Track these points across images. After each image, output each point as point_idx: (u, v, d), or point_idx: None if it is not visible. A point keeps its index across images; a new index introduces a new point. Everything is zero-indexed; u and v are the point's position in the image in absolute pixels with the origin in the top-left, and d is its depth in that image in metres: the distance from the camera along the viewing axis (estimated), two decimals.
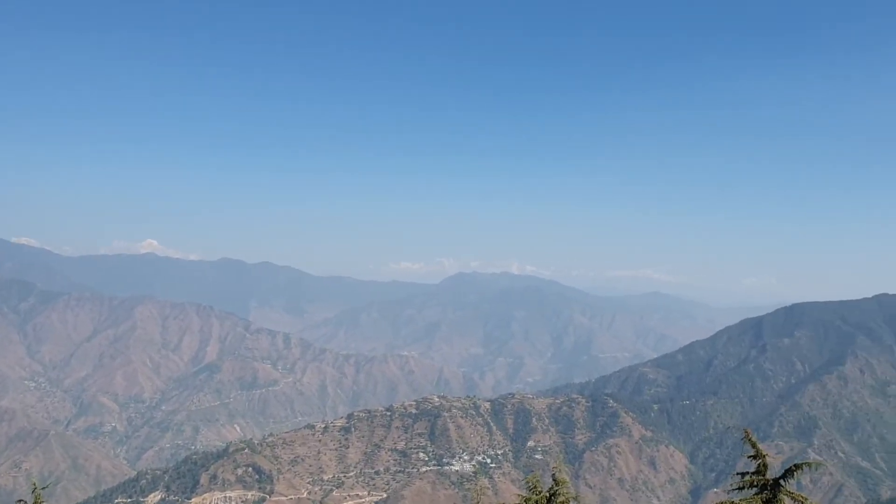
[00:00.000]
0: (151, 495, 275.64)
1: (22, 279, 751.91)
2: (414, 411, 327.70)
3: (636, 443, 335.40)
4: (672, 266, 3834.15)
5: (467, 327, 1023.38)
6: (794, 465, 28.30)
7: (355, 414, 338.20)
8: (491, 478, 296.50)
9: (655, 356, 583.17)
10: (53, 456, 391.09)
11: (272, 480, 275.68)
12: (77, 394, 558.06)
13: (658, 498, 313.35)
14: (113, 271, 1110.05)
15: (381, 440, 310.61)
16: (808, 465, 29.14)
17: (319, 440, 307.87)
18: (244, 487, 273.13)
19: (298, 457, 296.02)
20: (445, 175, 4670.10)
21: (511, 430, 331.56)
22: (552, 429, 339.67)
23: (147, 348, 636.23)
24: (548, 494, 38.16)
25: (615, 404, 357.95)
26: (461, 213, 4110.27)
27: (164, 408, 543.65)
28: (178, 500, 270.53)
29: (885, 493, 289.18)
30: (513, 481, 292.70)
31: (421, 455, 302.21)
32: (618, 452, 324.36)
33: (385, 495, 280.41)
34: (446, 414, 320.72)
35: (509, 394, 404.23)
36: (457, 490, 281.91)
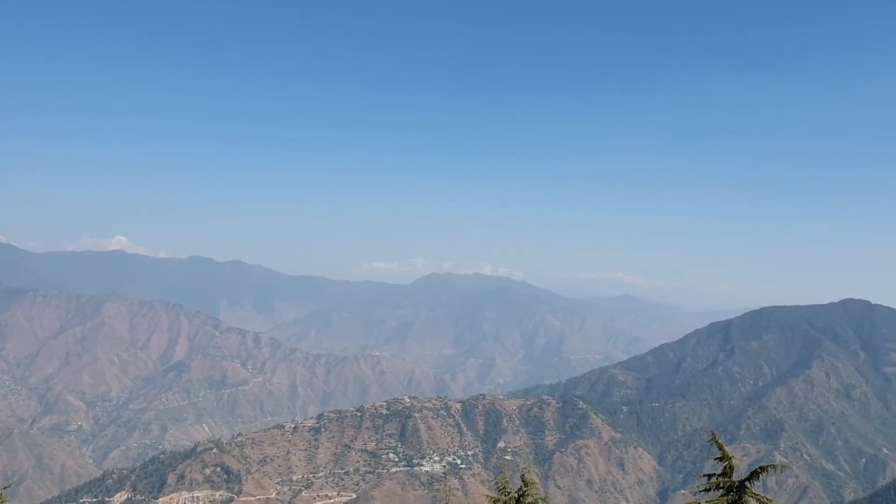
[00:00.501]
0: (117, 495, 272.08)
1: None
2: (385, 412, 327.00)
3: (605, 444, 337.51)
4: (643, 269, 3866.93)
5: (439, 328, 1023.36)
6: (760, 468, 28.65)
7: (325, 414, 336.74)
8: (461, 479, 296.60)
9: (625, 358, 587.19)
10: (17, 455, 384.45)
11: (241, 480, 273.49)
12: (42, 392, 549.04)
13: (626, 499, 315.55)
14: (81, 268, 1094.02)
15: (352, 441, 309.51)
16: (773, 467, 29.49)
17: (289, 440, 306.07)
18: (212, 487, 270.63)
19: (267, 457, 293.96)
20: (419, 175, 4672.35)
21: (482, 431, 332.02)
22: (522, 430, 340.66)
23: (115, 346, 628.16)
24: (516, 495, 38.24)
25: (585, 406, 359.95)
26: (435, 214, 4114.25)
27: (131, 407, 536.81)
28: (144, 500, 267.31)
29: (849, 495, 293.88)
30: (483, 482, 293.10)
31: (391, 456, 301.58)
32: (587, 454, 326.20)
33: (354, 496, 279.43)
34: (417, 415, 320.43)
35: (480, 395, 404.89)
36: (427, 491, 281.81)
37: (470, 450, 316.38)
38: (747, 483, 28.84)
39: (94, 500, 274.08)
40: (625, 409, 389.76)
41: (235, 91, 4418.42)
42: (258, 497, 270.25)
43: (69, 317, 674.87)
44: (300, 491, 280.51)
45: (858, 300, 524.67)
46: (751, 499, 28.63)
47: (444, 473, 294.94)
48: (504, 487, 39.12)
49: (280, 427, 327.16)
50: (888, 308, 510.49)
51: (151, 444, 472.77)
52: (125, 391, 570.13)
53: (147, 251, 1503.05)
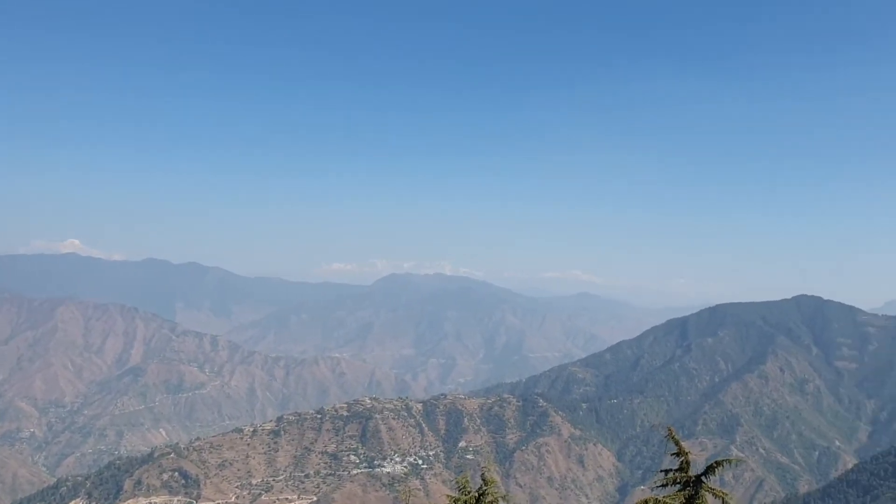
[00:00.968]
0: (72, 503, 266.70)
1: None
2: (345, 413, 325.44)
3: (565, 441, 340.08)
4: (600, 267, 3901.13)
5: (400, 328, 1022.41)
6: (716, 462, 29.03)
7: (285, 417, 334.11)
8: (422, 479, 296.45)
9: (584, 356, 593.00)
10: None
11: (199, 485, 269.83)
12: None
13: (586, 496, 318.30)
14: (32, 272, 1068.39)
15: (312, 443, 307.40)
16: (729, 461, 29.90)
17: (248, 444, 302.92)
18: (170, 493, 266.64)
19: (226, 461, 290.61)
20: (378, 176, 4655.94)
21: (443, 431, 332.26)
22: (483, 429, 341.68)
23: (68, 351, 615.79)
24: (477, 494, 38.20)
25: (545, 404, 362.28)
26: (394, 215, 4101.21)
27: (86, 412, 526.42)
28: None
29: (803, 488, 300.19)
30: (444, 482, 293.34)
31: (352, 457, 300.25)
32: (547, 451, 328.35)
33: (315, 498, 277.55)
34: (378, 416, 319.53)
35: (441, 394, 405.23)
36: (388, 492, 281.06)
37: (431, 450, 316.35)
38: (703, 478, 29.21)
39: None
40: (584, 406, 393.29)
41: (188, 91, 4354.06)
42: (217, 501, 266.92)
43: (21, 322, 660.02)
44: (260, 494, 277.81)
45: (811, 296, 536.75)
46: (707, 493, 29.00)
47: (405, 474, 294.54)
48: (464, 487, 39.07)
49: (239, 430, 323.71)
50: (839, 304, 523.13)
51: (107, 450, 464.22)
52: (79, 397, 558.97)
53: (101, 254, 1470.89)
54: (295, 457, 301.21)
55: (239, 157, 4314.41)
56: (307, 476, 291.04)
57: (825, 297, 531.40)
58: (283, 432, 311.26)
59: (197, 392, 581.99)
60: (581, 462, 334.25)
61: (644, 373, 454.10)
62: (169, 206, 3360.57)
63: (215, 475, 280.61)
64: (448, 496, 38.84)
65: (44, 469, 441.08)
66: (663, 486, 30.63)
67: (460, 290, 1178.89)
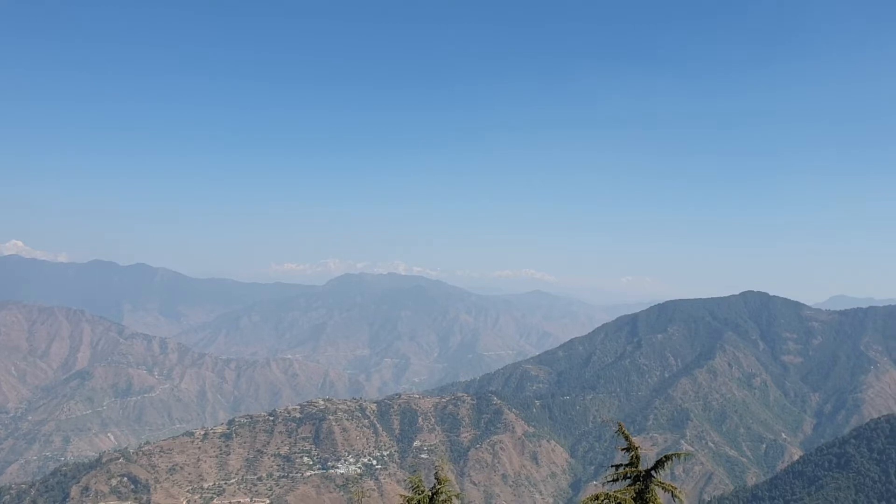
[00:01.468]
0: None
1: None
2: (298, 415, 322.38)
3: (519, 439, 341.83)
4: (553, 265, 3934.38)
5: (353, 329, 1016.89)
6: (665, 457, 29.36)
7: (237, 419, 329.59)
8: (377, 479, 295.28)
9: (538, 353, 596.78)
10: None
11: (149, 490, 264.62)
12: None
13: (540, 492, 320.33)
14: None
15: (264, 445, 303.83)
16: (678, 455, 30.27)
17: (199, 447, 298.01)
18: (119, 498, 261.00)
19: (177, 465, 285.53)
20: (330, 176, 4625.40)
21: (397, 431, 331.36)
22: (438, 428, 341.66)
23: (11, 355, 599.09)
24: (430, 494, 38.09)
25: (499, 401, 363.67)
26: (347, 214, 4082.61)
27: (30, 418, 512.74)
28: None
29: (751, 480, 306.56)
30: (399, 482, 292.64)
31: (305, 459, 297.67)
32: (501, 449, 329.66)
33: (268, 501, 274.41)
34: (331, 417, 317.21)
35: (396, 394, 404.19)
36: (342, 493, 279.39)
37: (386, 450, 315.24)
38: (653, 472, 29.51)
39: None
40: (538, 403, 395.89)
41: (130, 93, 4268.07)
42: None
43: None
44: (212, 498, 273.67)
45: (757, 292, 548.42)
46: (657, 487, 29.30)
47: (359, 475, 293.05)
48: (418, 486, 38.95)
49: (190, 434, 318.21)
50: (784, 299, 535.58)
51: (53, 456, 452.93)
52: (23, 402, 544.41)
53: (46, 255, 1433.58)
54: (247, 459, 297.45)
55: (185, 156, 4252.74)
56: (260, 479, 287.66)
57: (771, 293, 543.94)
58: (234, 435, 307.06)
59: (146, 395, 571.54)
60: (535, 459, 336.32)
61: (596, 369, 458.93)
62: (116, 207, 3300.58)
63: (166, 480, 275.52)
64: (402, 496, 38.68)
65: None
66: (614, 480, 30.89)
67: (414, 290, 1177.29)
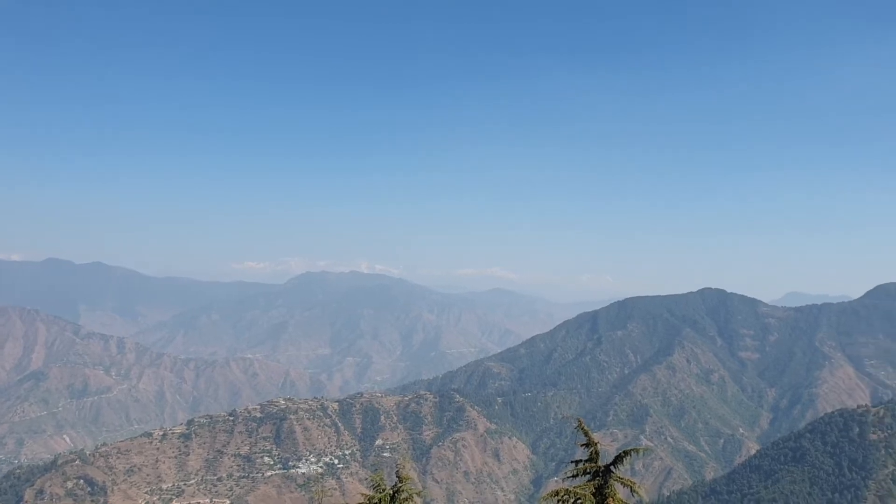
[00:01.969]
0: None
1: None
2: (259, 415, 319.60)
3: (481, 436, 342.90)
4: (515, 263, 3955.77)
5: (315, 328, 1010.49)
6: (623, 452, 29.58)
7: (196, 420, 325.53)
8: (339, 478, 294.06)
9: (500, 350, 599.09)
10: None
11: (106, 492, 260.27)
12: None
13: (502, 489, 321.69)
14: None
15: (224, 446, 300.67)
16: (636, 451, 30.52)
17: (158, 448, 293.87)
18: (75, 501, 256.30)
19: (135, 466, 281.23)
20: (291, 174, 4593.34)
21: (359, 430, 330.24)
22: (400, 426, 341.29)
23: None
24: (391, 492, 37.93)
25: (461, 399, 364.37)
26: (309, 213, 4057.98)
27: None
28: None
29: (709, 474, 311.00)
30: (361, 481, 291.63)
31: (266, 459, 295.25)
32: (464, 446, 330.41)
33: (228, 502, 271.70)
34: (292, 416, 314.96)
35: (358, 393, 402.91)
36: (303, 493, 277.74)
37: (347, 449, 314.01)
38: (612, 467, 29.71)
39: None
40: (500, 400, 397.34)
41: (81, 91, 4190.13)
42: None
43: None
44: (171, 499, 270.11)
45: (715, 289, 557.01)
46: (616, 482, 29.51)
47: (321, 474, 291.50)
48: (379, 485, 38.75)
49: (148, 435, 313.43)
50: (742, 296, 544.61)
51: (6, 459, 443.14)
52: None
53: None
54: (207, 460, 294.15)
55: (141, 153, 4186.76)
56: (220, 479, 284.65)
57: (728, 290, 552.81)
58: (194, 435, 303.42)
59: (103, 396, 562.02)
60: (497, 456, 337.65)
61: (557, 366, 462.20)
62: (71, 204, 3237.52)
63: (123, 481, 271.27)
64: (363, 494, 38.49)
65: None
66: (574, 476, 31.03)
67: (377, 288, 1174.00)
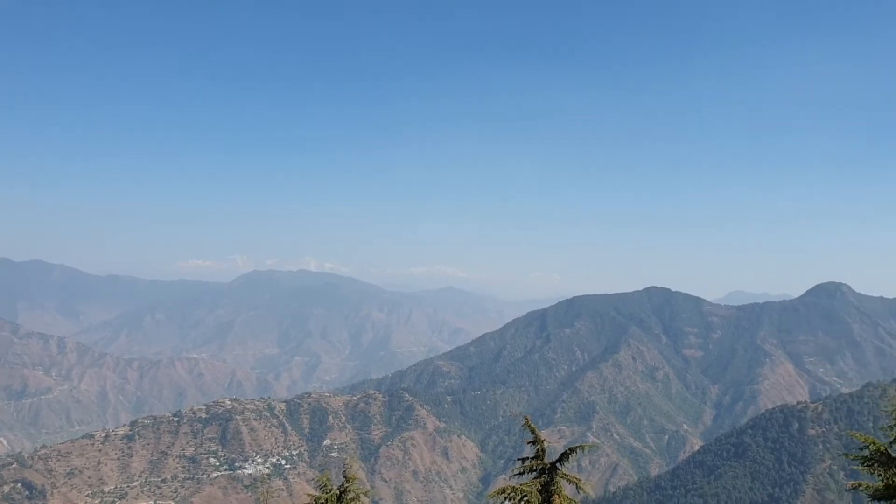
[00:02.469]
0: None
1: None
2: (204, 416, 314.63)
3: (430, 435, 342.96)
4: (465, 261, 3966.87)
5: (262, 327, 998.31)
6: (569, 449, 29.65)
7: (139, 421, 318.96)
8: (286, 479, 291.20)
9: (450, 349, 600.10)
10: None
11: (45, 496, 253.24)
12: None
13: (451, 487, 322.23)
14: None
15: (169, 447, 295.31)
16: (582, 448, 30.60)
17: (100, 450, 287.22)
18: None
19: (76, 469, 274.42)
20: (237, 170, 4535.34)
21: (307, 430, 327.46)
22: (349, 426, 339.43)
23: None
24: (338, 492, 37.49)
25: (411, 398, 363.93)
26: (256, 210, 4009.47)
27: None
28: None
29: (654, 470, 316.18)
30: (308, 481, 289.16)
31: (212, 460, 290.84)
32: (413, 445, 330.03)
33: (173, 503, 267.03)
34: (239, 417, 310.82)
35: (305, 393, 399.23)
36: (250, 494, 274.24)
37: (295, 449, 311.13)
38: (558, 464, 29.77)
39: None
40: (449, 399, 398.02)
41: (24, 87, 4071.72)
42: None
43: None
44: (113, 502, 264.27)
45: (660, 288, 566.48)
46: (562, 479, 29.57)
47: (268, 475, 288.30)
48: (326, 485, 38.28)
49: (90, 436, 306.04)
50: (686, 295, 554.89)
51: None
52: None
53: None
54: (151, 462, 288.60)
55: (80, 150, 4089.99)
56: (164, 481, 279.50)
57: (674, 289, 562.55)
58: (137, 437, 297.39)
59: (42, 397, 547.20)
60: (446, 454, 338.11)
61: (506, 364, 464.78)
62: (8, 200, 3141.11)
63: (63, 484, 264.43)
64: (309, 495, 38.01)
65: None
66: (521, 474, 31.01)
67: (326, 287, 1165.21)
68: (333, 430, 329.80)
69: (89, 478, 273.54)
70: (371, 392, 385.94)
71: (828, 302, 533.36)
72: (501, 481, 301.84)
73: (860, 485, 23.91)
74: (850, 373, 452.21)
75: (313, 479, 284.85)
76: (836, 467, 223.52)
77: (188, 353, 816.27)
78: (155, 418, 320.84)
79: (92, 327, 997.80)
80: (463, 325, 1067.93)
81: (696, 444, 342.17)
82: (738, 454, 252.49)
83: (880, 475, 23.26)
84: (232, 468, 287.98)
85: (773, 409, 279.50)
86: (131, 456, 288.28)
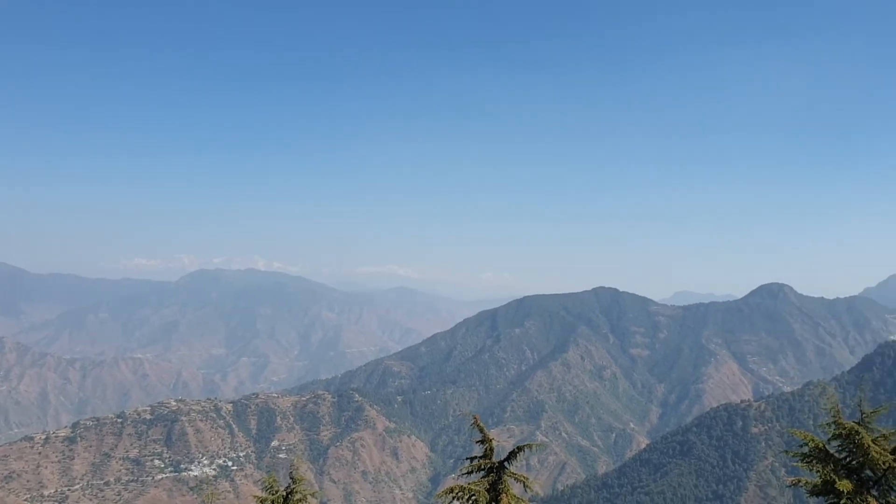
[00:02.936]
0: None
1: None
2: (149, 417, 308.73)
3: (380, 435, 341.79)
4: (417, 261, 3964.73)
5: (208, 327, 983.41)
6: (517, 448, 29.63)
7: (82, 422, 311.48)
8: (232, 480, 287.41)
9: (401, 349, 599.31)
10: None
11: None
12: None
13: (400, 487, 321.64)
14: None
15: (112, 449, 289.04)
16: (529, 446, 30.61)
17: (39, 452, 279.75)
18: None
19: (14, 472, 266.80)
20: (184, 168, 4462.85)
21: (255, 431, 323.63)
22: (297, 427, 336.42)
23: None
24: (285, 494, 36.85)
25: (361, 398, 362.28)
26: (202, 208, 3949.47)
27: None
28: None
29: (602, 468, 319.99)
30: (255, 483, 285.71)
31: (156, 462, 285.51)
32: (362, 446, 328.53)
33: None
34: (184, 418, 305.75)
35: (253, 394, 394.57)
36: (195, 496, 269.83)
37: (242, 451, 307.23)
38: (506, 463, 29.76)
39: None
40: (399, 399, 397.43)
41: None
42: None
43: None
44: None
45: (608, 288, 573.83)
46: (510, 478, 29.57)
47: (214, 476, 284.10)
48: (272, 487, 37.53)
49: (29, 439, 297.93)
50: (633, 295, 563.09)
51: None
52: None
53: None
54: (93, 464, 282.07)
55: (19, 145, 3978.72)
56: (107, 483, 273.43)
57: (621, 290, 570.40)
58: (79, 439, 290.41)
59: None
60: (395, 454, 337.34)
61: (457, 363, 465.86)
62: None
63: (1, 488, 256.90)
64: (255, 497, 37.35)
65: None
66: (469, 473, 30.93)
67: (274, 286, 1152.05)
68: (281, 431, 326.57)
69: (28, 481, 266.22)
70: (320, 392, 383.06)
71: (771, 302, 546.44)
72: (451, 481, 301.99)
73: (800, 481, 24.37)
74: (792, 372, 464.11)
75: (260, 481, 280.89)
76: (777, 464, 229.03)
77: (133, 353, 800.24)
78: (98, 420, 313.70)
79: (33, 327, 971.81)
80: (414, 325, 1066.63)
81: (643, 442, 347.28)
82: (683, 452, 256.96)
83: (818, 471, 23.75)
84: (177, 470, 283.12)
85: (718, 407, 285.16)
86: (73, 458, 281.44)
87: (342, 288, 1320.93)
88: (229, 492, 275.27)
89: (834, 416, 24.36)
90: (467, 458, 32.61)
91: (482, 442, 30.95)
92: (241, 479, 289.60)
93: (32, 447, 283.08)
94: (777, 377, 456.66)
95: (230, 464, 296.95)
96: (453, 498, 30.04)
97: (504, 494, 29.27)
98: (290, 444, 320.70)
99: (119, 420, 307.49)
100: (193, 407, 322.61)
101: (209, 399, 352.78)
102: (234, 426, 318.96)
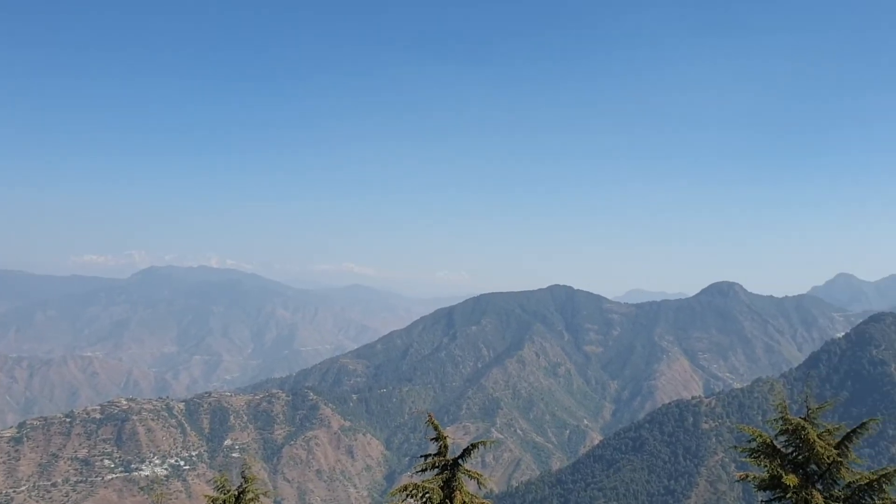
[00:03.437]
0: None
1: None
2: (98, 416, 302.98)
3: (335, 433, 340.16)
4: (373, 259, 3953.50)
5: (160, 325, 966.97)
6: (471, 445, 29.70)
7: (28, 422, 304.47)
8: (185, 480, 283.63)
9: (356, 347, 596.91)
10: None
11: None
12: None
13: (355, 486, 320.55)
14: None
15: (60, 449, 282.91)
16: (483, 443, 30.72)
17: None
18: None
19: None
20: (135, 161, 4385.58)
21: (207, 430, 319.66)
22: (251, 426, 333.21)
23: None
24: (237, 493, 36.40)
25: (315, 397, 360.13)
26: (153, 203, 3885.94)
27: None
28: None
29: (556, 464, 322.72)
30: (208, 482, 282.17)
31: (106, 462, 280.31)
32: (316, 444, 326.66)
33: None
34: (135, 417, 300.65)
35: (206, 393, 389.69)
36: (146, 496, 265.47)
37: (195, 450, 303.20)
38: (460, 460, 29.81)
39: None
40: (355, 397, 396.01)
41: None
42: None
43: None
44: None
45: (563, 286, 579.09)
46: (463, 475, 29.62)
47: (165, 476, 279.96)
48: (224, 486, 37.03)
49: None
50: (587, 293, 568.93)
51: None
52: None
53: None
54: (40, 465, 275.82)
55: None
56: (55, 484, 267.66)
57: (576, 287, 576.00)
58: (25, 439, 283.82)
59: None
60: (350, 453, 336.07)
61: (413, 361, 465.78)
62: None
63: None
64: (207, 496, 36.85)
65: None
66: (423, 470, 30.94)
67: (228, 284, 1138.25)
68: (235, 430, 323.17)
69: None
70: (274, 391, 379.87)
71: (721, 301, 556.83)
72: (406, 479, 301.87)
73: (748, 476, 24.80)
74: (742, 368, 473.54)
75: (213, 481, 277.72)
76: (727, 460, 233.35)
77: (82, 352, 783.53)
78: (45, 419, 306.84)
79: None
80: (370, 324, 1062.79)
81: (596, 438, 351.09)
82: (635, 448, 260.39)
83: (766, 466, 24.19)
84: (128, 470, 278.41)
85: (670, 403, 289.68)
86: (18, 459, 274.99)
87: (297, 286, 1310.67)
88: (181, 491, 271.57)
89: (781, 413, 24.84)
90: (422, 456, 32.61)
91: (437, 439, 30.96)
92: (193, 479, 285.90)
93: None
94: (727, 374, 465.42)
95: (182, 463, 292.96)
96: (407, 496, 29.98)
97: (458, 492, 29.32)
98: (243, 444, 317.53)
99: (68, 419, 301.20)
100: (145, 406, 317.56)
101: (161, 398, 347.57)
102: (186, 425, 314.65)
